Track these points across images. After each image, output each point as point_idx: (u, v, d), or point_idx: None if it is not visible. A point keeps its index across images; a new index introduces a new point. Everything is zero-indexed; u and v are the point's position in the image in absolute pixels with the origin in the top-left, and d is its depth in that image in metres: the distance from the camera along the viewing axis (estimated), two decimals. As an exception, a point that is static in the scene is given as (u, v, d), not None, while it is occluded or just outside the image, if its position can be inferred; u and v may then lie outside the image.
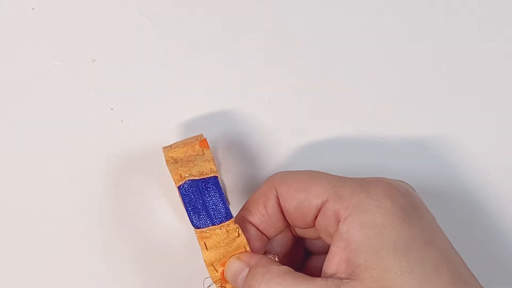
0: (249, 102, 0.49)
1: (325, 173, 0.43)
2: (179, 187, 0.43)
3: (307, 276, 0.40)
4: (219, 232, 0.42)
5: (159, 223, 0.49)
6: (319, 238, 0.44)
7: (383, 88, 0.50)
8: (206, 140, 0.45)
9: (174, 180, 0.43)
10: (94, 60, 0.48)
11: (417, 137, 0.51)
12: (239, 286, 0.42)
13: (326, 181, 0.42)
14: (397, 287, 0.38)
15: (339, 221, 0.40)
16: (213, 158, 0.44)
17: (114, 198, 0.49)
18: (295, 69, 0.50)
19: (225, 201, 0.43)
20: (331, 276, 0.39)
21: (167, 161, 0.44)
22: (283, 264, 0.42)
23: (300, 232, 0.46)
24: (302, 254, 0.47)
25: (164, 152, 0.44)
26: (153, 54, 0.48)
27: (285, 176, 0.44)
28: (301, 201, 0.42)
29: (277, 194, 0.43)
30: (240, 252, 0.43)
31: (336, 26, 0.50)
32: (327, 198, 0.41)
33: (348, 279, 0.39)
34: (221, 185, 0.47)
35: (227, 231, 0.42)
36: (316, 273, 0.41)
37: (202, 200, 0.42)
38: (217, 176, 0.43)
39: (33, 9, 0.47)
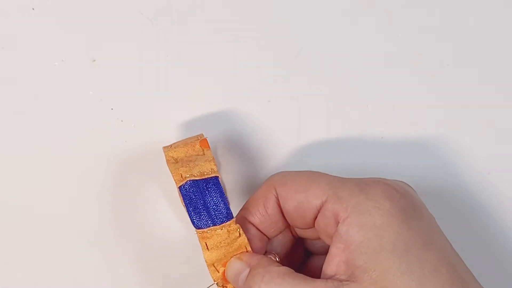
0: (249, 102, 0.49)
1: (325, 173, 0.43)
2: (180, 188, 0.43)
3: (306, 277, 0.40)
4: (220, 233, 0.42)
5: (159, 223, 0.49)
6: (319, 238, 0.44)
7: (383, 88, 0.50)
8: (207, 140, 0.45)
9: (174, 180, 0.43)
10: (94, 60, 0.48)
11: (417, 137, 0.51)
12: (240, 286, 0.42)
13: (325, 182, 0.42)
14: None
15: (338, 222, 0.40)
16: (213, 158, 0.44)
17: (114, 198, 0.49)
18: (295, 69, 0.50)
19: (226, 201, 0.43)
20: (331, 278, 0.39)
21: (167, 161, 0.44)
22: (283, 264, 0.42)
23: (300, 232, 0.46)
24: (303, 254, 0.47)
25: (164, 152, 0.44)
26: (153, 54, 0.48)
27: (285, 176, 0.44)
28: (301, 202, 0.42)
29: (277, 194, 0.44)
30: (241, 252, 0.43)
31: (336, 26, 0.50)
32: (326, 199, 0.41)
33: (347, 280, 0.39)
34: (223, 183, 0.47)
35: (228, 231, 0.42)
36: (316, 272, 0.41)
37: (203, 200, 0.42)
38: (218, 176, 0.43)
39: (33, 9, 0.47)
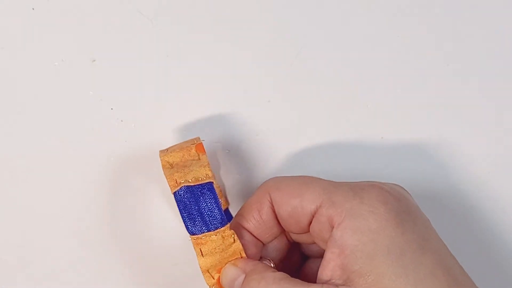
0: (248, 103, 0.49)
1: (319, 178, 0.43)
2: (174, 194, 0.43)
3: (303, 282, 0.40)
4: (214, 239, 0.42)
5: (159, 223, 0.49)
6: (314, 243, 0.44)
7: (383, 88, 0.50)
8: (203, 144, 0.45)
9: (169, 186, 0.43)
10: (94, 60, 0.48)
11: (416, 137, 0.51)
12: (235, 292, 0.42)
13: (319, 187, 0.42)
14: None
15: (333, 227, 0.40)
16: (208, 163, 0.44)
17: (114, 198, 0.49)
18: (295, 69, 0.50)
19: (220, 207, 0.43)
20: (326, 282, 0.39)
21: (163, 166, 0.44)
22: (279, 269, 0.42)
23: (295, 237, 0.46)
24: (299, 259, 0.47)
25: (160, 156, 0.44)
26: (153, 54, 0.48)
27: (279, 182, 0.44)
28: (295, 207, 0.42)
29: (271, 200, 0.43)
30: (236, 258, 0.43)
31: (336, 26, 0.50)
32: (321, 204, 0.41)
33: (343, 285, 0.39)
34: (219, 187, 0.47)
35: (223, 237, 0.42)
36: (313, 276, 0.41)
37: (198, 206, 0.42)
38: (212, 182, 0.43)
39: (33, 9, 0.47)
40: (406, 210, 0.41)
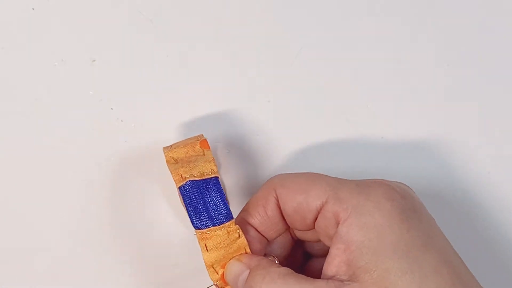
0: (249, 102, 0.49)
1: (324, 175, 0.43)
2: (179, 188, 0.43)
3: (307, 277, 0.40)
4: (219, 233, 0.42)
5: (159, 223, 0.49)
6: (319, 240, 0.44)
7: (383, 88, 0.50)
8: (207, 141, 0.45)
9: (174, 180, 0.43)
10: (94, 60, 0.48)
11: (417, 137, 0.51)
12: (239, 288, 0.42)
13: (325, 183, 0.42)
14: None
15: (339, 223, 0.40)
16: (213, 159, 0.44)
17: (114, 198, 0.49)
18: (295, 69, 0.50)
19: (226, 202, 0.43)
20: (331, 278, 0.39)
21: (167, 161, 0.44)
22: (282, 266, 0.42)
23: (299, 234, 0.46)
24: (302, 257, 0.47)
25: (164, 152, 0.44)
26: (153, 54, 0.48)
27: (285, 178, 0.44)
28: (301, 203, 0.42)
29: (277, 196, 0.43)
30: (240, 254, 0.43)
31: (336, 26, 0.50)
32: (326, 200, 0.41)
33: (348, 280, 0.39)
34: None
35: (228, 232, 0.42)
36: (315, 276, 0.41)
37: (203, 200, 0.42)
38: (218, 177, 0.43)
39: (33, 9, 0.47)
40: (411, 208, 0.41)
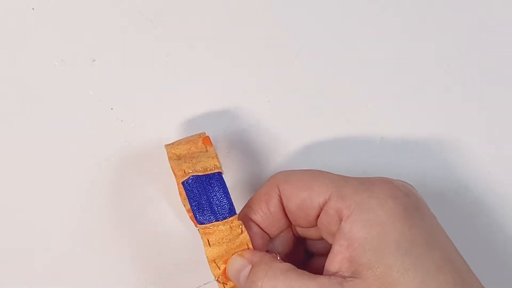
0: (249, 102, 0.49)
1: (328, 172, 0.43)
2: (183, 183, 0.42)
3: (310, 273, 0.40)
4: (222, 228, 0.42)
5: (159, 223, 0.49)
6: (321, 238, 0.44)
7: (383, 88, 0.50)
8: (209, 138, 0.45)
9: (177, 176, 0.43)
10: (94, 60, 0.48)
11: (417, 137, 0.51)
12: (241, 283, 0.42)
13: (328, 180, 0.42)
14: (400, 285, 0.38)
15: (342, 220, 0.40)
16: (216, 155, 0.44)
17: (114, 198, 0.49)
18: (295, 69, 0.50)
19: (229, 197, 0.43)
20: (334, 274, 0.39)
21: (169, 158, 0.44)
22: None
23: (301, 232, 0.46)
24: (303, 255, 0.47)
25: (166, 149, 0.44)
26: (153, 54, 0.48)
27: (288, 175, 0.44)
28: (304, 200, 0.42)
29: (280, 192, 0.43)
30: (243, 249, 0.43)
31: (336, 26, 0.50)
32: (330, 197, 0.41)
33: (351, 277, 0.39)
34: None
35: (231, 227, 0.42)
36: (317, 273, 0.41)
37: (206, 195, 0.42)
38: (221, 172, 0.43)
39: (33, 9, 0.47)
40: (414, 206, 0.41)
